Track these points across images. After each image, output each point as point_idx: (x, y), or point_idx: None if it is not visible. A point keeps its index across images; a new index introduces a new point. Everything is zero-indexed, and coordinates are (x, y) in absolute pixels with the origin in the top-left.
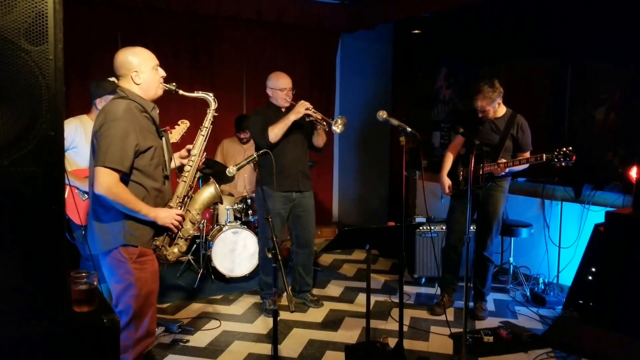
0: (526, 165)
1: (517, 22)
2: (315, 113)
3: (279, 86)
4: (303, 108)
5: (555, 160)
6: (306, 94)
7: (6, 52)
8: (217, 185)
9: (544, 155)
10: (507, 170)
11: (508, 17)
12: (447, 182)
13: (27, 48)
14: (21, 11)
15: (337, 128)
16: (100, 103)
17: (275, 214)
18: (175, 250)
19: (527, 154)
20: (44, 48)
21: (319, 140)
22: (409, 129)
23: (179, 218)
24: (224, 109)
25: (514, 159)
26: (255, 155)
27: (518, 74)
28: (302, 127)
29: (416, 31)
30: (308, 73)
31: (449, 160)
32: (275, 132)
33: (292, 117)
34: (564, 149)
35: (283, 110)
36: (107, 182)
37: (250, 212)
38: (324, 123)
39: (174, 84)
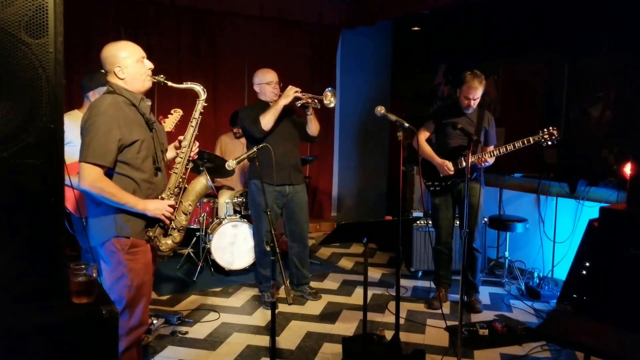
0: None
1: (515, 19)
2: (304, 95)
3: (266, 80)
4: (292, 91)
5: (542, 140)
6: (306, 89)
7: (6, 44)
8: (209, 177)
9: (531, 138)
10: (489, 161)
11: (506, 14)
12: (447, 162)
13: (28, 41)
14: (22, 4)
15: (330, 102)
16: (93, 96)
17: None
18: (169, 241)
19: (492, 148)
20: (44, 41)
21: (312, 127)
22: (406, 124)
23: (170, 209)
24: (226, 103)
25: (506, 145)
26: (255, 149)
27: (515, 71)
28: (293, 120)
29: (415, 28)
30: (308, 68)
31: (427, 146)
32: (267, 119)
33: (282, 101)
34: (547, 129)
35: (271, 105)
36: (90, 177)
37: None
38: (316, 101)
39: (162, 75)
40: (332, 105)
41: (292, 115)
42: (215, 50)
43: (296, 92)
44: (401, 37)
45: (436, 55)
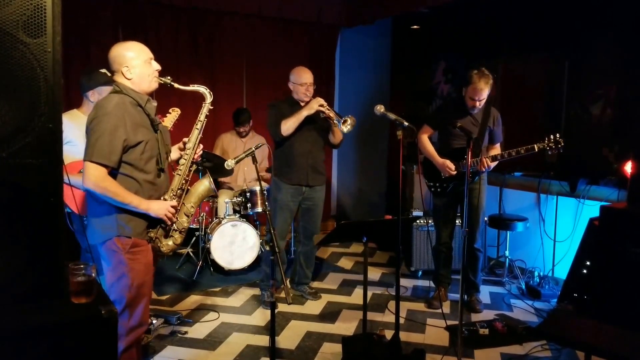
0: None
1: (514, 17)
2: (328, 110)
3: (300, 81)
4: (317, 104)
5: (547, 148)
6: None
7: (4, 44)
8: (212, 179)
9: (535, 145)
10: (491, 166)
11: (506, 12)
12: (448, 162)
13: (26, 40)
14: (20, 3)
15: (345, 127)
16: (92, 95)
17: (284, 206)
18: (170, 242)
19: (498, 146)
20: (42, 40)
21: (335, 136)
22: (406, 123)
23: (173, 210)
24: (224, 102)
25: (509, 150)
26: (253, 149)
27: (515, 69)
28: (317, 123)
29: (415, 26)
30: (307, 67)
31: (430, 145)
32: (287, 126)
33: (305, 112)
34: (553, 137)
35: (302, 104)
36: (94, 176)
37: (249, 205)
38: (335, 121)
39: (169, 77)
40: (345, 131)
41: (317, 118)
42: (213, 49)
43: (320, 105)
44: (400, 35)
45: (435, 53)
